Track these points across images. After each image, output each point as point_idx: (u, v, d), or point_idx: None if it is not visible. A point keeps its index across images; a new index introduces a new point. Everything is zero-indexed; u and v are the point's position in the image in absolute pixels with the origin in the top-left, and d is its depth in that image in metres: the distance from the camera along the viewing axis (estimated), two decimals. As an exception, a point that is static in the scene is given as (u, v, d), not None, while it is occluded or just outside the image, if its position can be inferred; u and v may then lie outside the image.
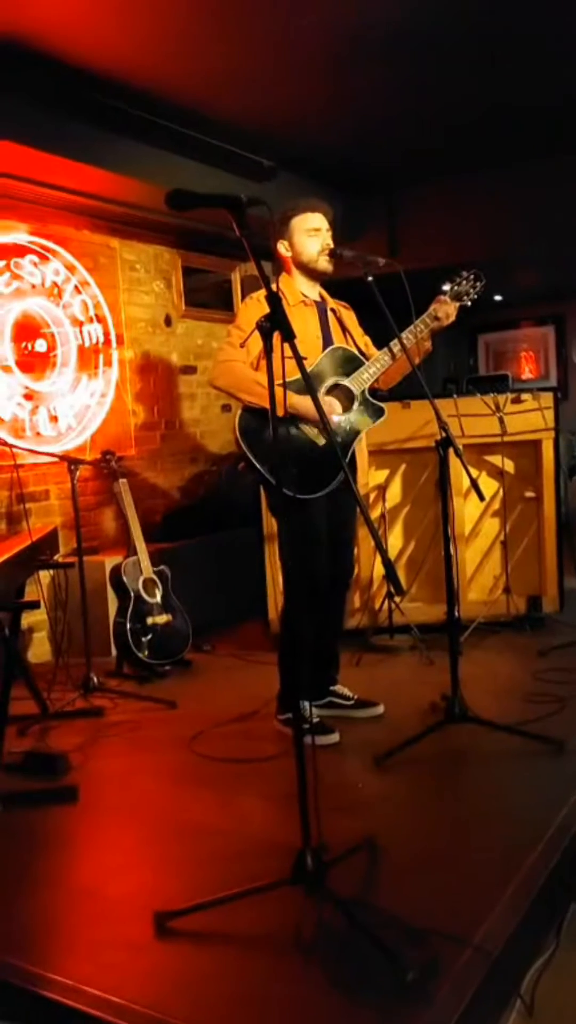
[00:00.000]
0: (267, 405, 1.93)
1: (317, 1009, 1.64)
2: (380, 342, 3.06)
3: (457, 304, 3.05)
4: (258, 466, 2.88)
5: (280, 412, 2.78)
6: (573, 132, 5.01)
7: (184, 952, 1.84)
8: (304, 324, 2.99)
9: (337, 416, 2.95)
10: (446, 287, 3.05)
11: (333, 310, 3.15)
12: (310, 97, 4.26)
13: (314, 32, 3.54)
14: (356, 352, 3.06)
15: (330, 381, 2.98)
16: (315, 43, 3.66)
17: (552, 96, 4.46)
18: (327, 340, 3.05)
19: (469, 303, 3.07)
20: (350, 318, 3.21)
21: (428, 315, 3.01)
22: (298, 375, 2.26)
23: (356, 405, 3.00)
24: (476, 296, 3.06)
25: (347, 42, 3.67)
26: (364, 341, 3.19)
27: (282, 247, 3.07)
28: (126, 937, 1.90)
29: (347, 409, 2.99)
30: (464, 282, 3.05)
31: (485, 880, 2.01)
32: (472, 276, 3.06)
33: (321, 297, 3.15)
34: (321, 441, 2.92)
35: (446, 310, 3.01)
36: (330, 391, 2.97)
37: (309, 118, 4.54)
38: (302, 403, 2.84)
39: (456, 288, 3.04)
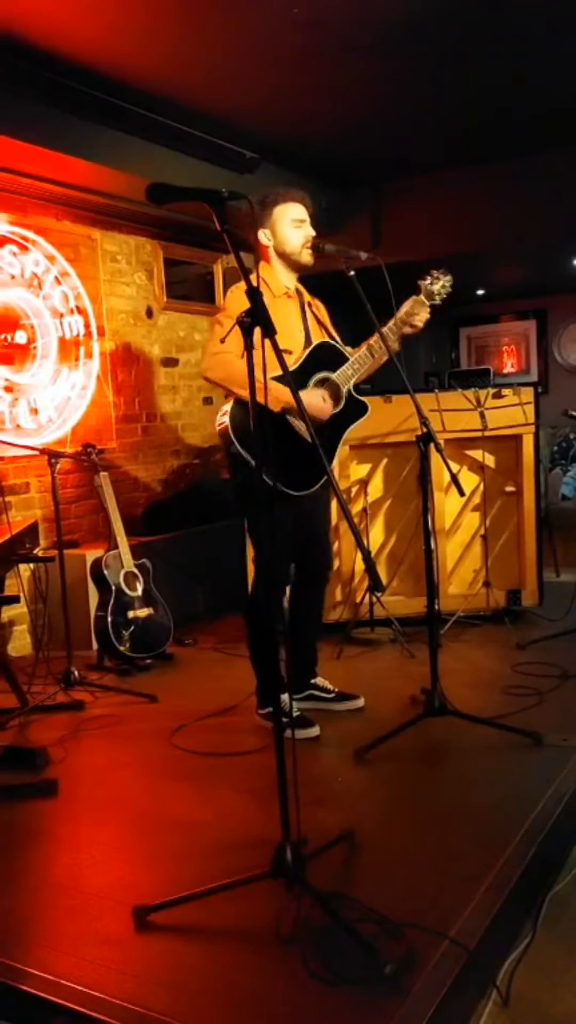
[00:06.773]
0: (262, 399, 1.91)
1: (295, 1002, 1.65)
2: (359, 337, 3.04)
3: (429, 307, 2.98)
4: (251, 461, 2.81)
5: (276, 408, 2.74)
6: (558, 128, 5.02)
7: (163, 946, 1.84)
8: (287, 316, 2.95)
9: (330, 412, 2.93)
10: (421, 284, 2.98)
11: (309, 304, 3.13)
12: (295, 89, 4.24)
13: (301, 24, 3.52)
14: (340, 347, 3.05)
15: (318, 376, 2.96)
16: (302, 35, 3.64)
17: (538, 94, 4.46)
18: (307, 333, 3.04)
19: (439, 301, 3.02)
20: (323, 314, 3.18)
21: (402, 315, 2.96)
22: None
23: (342, 403, 2.99)
24: (445, 295, 2.99)
25: (335, 35, 3.65)
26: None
27: (263, 236, 2.98)
28: (106, 931, 1.91)
29: (335, 406, 2.98)
30: (436, 281, 2.99)
31: (462, 873, 2.03)
32: (441, 273, 3.00)
33: (298, 290, 3.12)
34: (309, 438, 2.90)
35: (423, 315, 2.97)
36: (318, 386, 2.95)
37: (294, 110, 4.51)
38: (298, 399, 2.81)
39: (429, 287, 2.99)
